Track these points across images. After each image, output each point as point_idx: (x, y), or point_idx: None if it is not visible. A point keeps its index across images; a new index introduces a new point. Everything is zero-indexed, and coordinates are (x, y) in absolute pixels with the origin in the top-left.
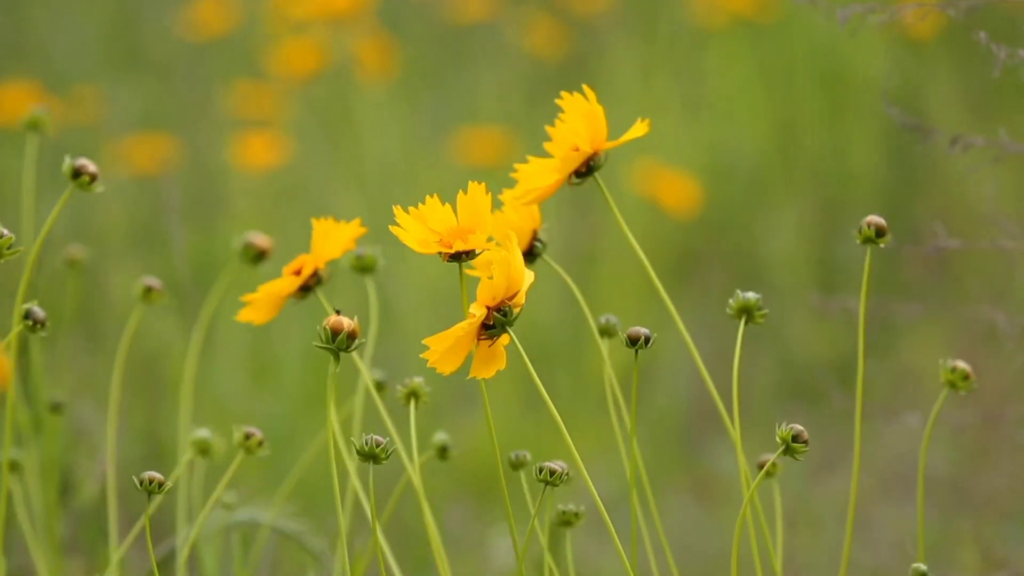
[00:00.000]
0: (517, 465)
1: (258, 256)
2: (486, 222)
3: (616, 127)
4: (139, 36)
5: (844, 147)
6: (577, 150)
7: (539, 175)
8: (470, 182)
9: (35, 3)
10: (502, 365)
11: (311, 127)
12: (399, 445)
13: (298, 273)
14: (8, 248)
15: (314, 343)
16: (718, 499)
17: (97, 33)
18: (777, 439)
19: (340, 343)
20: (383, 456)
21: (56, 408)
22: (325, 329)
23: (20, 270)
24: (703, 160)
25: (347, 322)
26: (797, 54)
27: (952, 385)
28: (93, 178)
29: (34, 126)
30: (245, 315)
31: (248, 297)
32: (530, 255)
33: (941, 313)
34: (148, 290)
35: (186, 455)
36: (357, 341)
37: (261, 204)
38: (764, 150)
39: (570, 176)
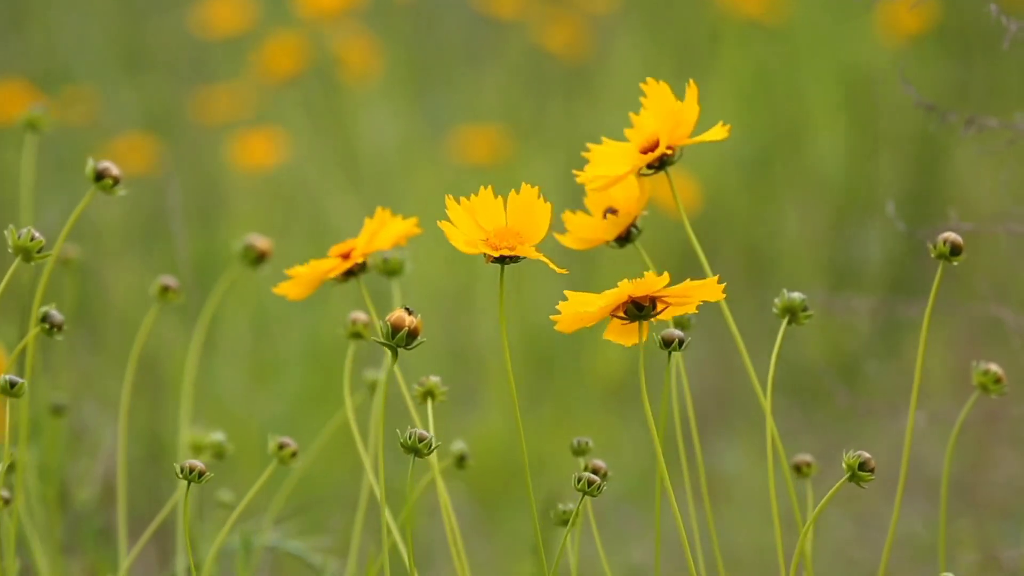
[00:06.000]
0: (579, 452)
1: (258, 258)
2: (536, 226)
3: (619, 125)
4: (140, 36)
5: (847, 146)
6: (656, 144)
7: (611, 162)
8: (523, 184)
9: (36, 2)
10: (636, 341)
11: (310, 126)
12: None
13: (346, 257)
14: (38, 252)
15: (373, 338)
16: (719, 498)
17: (98, 32)
18: (844, 465)
19: (399, 340)
20: (425, 451)
21: (57, 411)
22: (386, 324)
23: (20, 271)
24: (706, 158)
25: (409, 319)
26: (802, 53)
27: (984, 388)
28: (116, 181)
29: (32, 126)
30: (283, 289)
31: (292, 271)
32: (625, 240)
33: (945, 312)
34: (165, 289)
35: (191, 457)
36: (418, 339)
37: (260, 204)
38: (768, 149)
39: (641, 168)
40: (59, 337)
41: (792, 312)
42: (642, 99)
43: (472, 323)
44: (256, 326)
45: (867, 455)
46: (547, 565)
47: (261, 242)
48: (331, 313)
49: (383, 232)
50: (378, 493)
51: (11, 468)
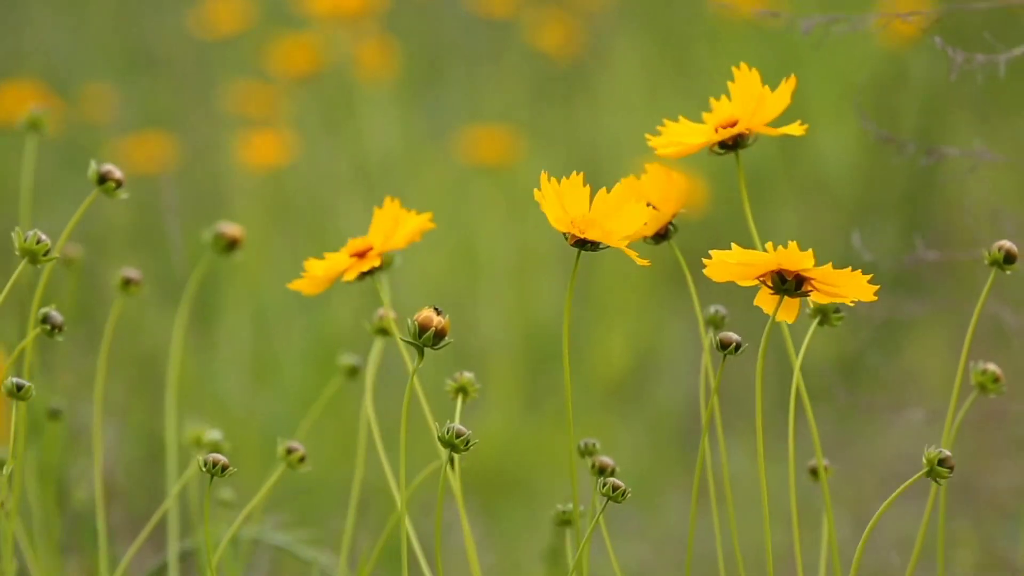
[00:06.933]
0: (586, 453)
1: (229, 245)
2: (622, 221)
3: (619, 125)
4: (141, 35)
5: (847, 147)
6: (734, 123)
7: (686, 133)
8: (620, 180)
9: (36, 2)
10: (790, 319)
11: (314, 125)
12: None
13: (361, 255)
14: (45, 254)
15: (401, 336)
16: (718, 498)
17: (98, 32)
18: (923, 460)
19: (426, 340)
20: (462, 446)
21: (54, 415)
22: (413, 323)
23: (22, 271)
24: (706, 159)
25: (437, 319)
26: (802, 54)
27: (982, 387)
28: (119, 184)
29: (33, 126)
30: (298, 285)
31: (308, 270)
32: (662, 237)
33: (946, 311)
34: (127, 282)
35: (198, 456)
36: (445, 340)
37: (263, 202)
38: (769, 150)
39: (715, 145)
40: (59, 338)
41: (824, 313)
42: (729, 83)
43: (473, 322)
44: (257, 325)
45: (948, 452)
46: (562, 566)
47: (231, 229)
48: (332, 312)
49: (398, 230)
50: (398, 499)
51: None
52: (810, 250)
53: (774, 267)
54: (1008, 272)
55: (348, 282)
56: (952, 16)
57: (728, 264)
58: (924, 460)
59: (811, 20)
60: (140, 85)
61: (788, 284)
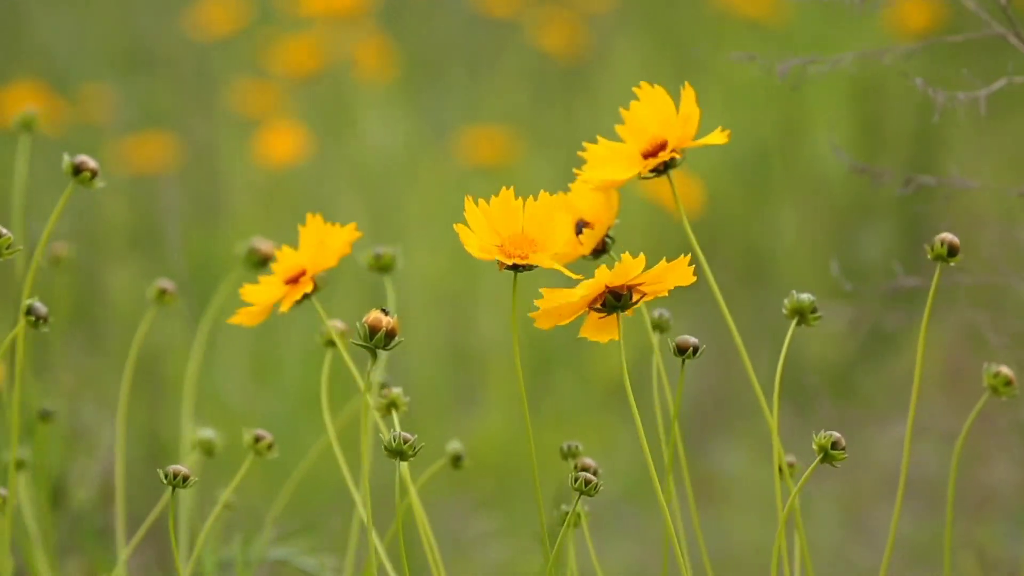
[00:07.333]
0: (569, 455)
1: (262, 262)
2: (553, 234)
3: (618, 125)
4: (141, 36)
5: (846, 147)
6: (659, 148)
7: (613, 165)
8: (542, 192)
9: (36, 2)
10: (615, 336)
11: (314, 126)
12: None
13: (294, 281)
14: (7, 248)
15: (352, 340)
16: (718, 499)
17: (99, 33)
18: (815, 447)
19: (378, 341)
20: (410, 453)
21: (45, 416)
22: (363, 325)
23: (15, 271)
24: (706, 159)
25: (386, 320)
26: (801, 54)
27: (994, 390)
28: (94, 174)
29: (27, 126)
30: (238, 319)
31: (241, 310)
32: (601, 252)
33: (941, 317)
34: (162, 292)
35: (190, 457)
36: (396, 340)
37: (263, 203)
38: (767, 150)
39: (644, 173)
40: (45, 329)
41: (801, 313)
42: (635, 103)
43: (473, 323)
44: (256, 325)
45: (839, 435)
46: (554, 565)
47: (264, 246)
48: (332, 312)
49: (323, 247)
50: (361, 503)
51: (16, 466)
52: (641, 255)
53: (602, 290)
54: (952, 264)
55: (285, 311)
56: (960, 12)
57: (569, 300)
58: (816, 447)
59: (788, 63)
60: (140, 85)
61: (624, 298)
